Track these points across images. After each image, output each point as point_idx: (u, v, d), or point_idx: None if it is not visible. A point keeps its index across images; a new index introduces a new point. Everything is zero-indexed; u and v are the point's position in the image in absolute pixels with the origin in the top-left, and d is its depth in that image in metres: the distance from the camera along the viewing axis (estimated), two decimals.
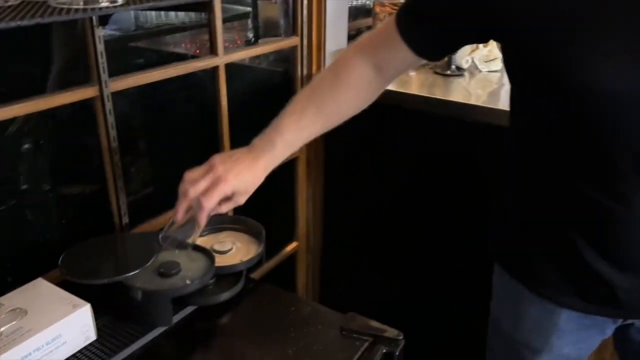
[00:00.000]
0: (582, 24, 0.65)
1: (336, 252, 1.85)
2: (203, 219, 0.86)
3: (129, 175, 1.22)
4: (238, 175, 0.86)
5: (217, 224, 1.18)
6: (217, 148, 1.40)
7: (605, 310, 0.86)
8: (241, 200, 0.88)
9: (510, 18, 0.70)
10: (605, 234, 0.78)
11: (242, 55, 1.42)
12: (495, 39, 0.78)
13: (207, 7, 1.21)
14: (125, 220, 1.17)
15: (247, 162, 0.88)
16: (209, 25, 1.27)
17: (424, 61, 0.89)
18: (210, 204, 0.84)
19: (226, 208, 0.88)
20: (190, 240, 0.96)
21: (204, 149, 1.43)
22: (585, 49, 0.65)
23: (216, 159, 0.88)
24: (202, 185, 0.85)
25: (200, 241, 1.13)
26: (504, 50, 0.80)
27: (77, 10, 0.65)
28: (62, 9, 0.66)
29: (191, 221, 0.90)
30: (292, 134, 0.90)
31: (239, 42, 1.72)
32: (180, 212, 0.88)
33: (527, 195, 0.87)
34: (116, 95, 1.07)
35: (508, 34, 0.73)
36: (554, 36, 0.67)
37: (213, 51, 1.29)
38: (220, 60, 1.31)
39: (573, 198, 0.78)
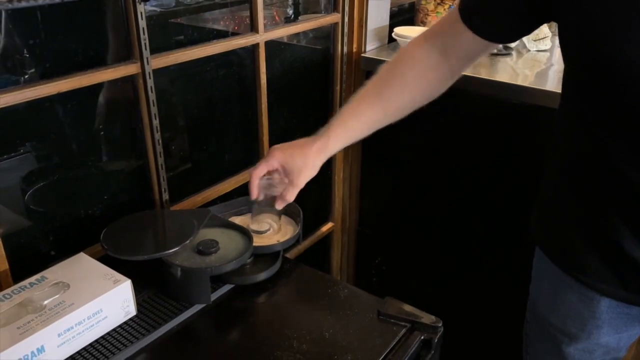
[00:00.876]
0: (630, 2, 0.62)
1: (372, 234, 1.83)
2: (253, 189, 0.94)
3: (169, 152, 1.23)
4: (285, 151, 0.91)
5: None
6: (255, 126, 1.39)
7: None
8: (298, 181, 0.92)
9: None
10: None
11: (282, 32, 1.39)
12: (554, 19, 0.74)
13: None
14: (166, 197, 1.18)
15: (300, 143, 0.93)
16: (250, 2, 1.25)
17: (495, 46, 0.85)
18: (255, 173, 0.93)
19: (288, 192, 0.93)
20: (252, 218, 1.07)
21: (243, 127, 1.43)
22: (633, 29, 0.63)
23: (275, 145, 0.95)
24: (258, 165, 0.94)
25: (238, 220, 1.13)
26: (559, 30, 0.76)
27: None
28: None
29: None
30: (351, 119, 0.90)
31: (277, 19, 1.69)
32: (254, 191, 0.96)
33: (570, 178, 0.84)
34: (157, 72, 1.07)
35: (564, 11, 0.69)
36: (605, 16, 0.64)
37: (253, 28, 1.27)
38: (261, 37, 1.29)
39: (616, 182, 0.76)
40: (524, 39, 1.54)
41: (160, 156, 1.12)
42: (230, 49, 1.23)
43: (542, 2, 0.71)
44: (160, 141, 1.11)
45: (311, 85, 1.62)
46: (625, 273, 0.81)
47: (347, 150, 1.71)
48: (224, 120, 1.39)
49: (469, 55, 0.86)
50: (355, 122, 0.90)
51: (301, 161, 0.91)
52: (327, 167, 1.73)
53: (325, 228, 1.80)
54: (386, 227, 1.78)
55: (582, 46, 0.70)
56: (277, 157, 0.92)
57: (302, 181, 0.92)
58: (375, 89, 0.90)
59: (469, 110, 1.45)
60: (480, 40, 0.81)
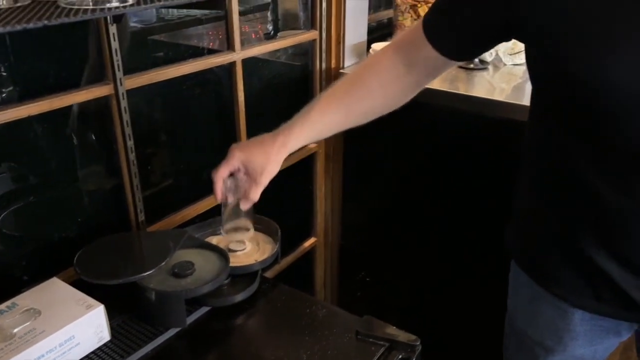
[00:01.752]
0: (598, 23, 0.63)
1: (354, 249, 1.82)
2: (217, 192, 0.92)
3: (147, 171, 1.21)
4: (245, 150, 0.91)
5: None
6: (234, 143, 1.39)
7: (620, 313, 0.84)
8: (261, 179, 0.89)
9: (531, 14, 0.67)
10: (616, 234, 0.76)
11: (259, 50, 1.39)
12: (517, 38, 0.75)
13: (222, 4, 1.19)
14: (142, 217, 1.16)
15: (259, 140, 0.92)
16: (226, 21, 1.25)
17: (455, 63, 0.85)
18: (217, 175, 0.91)
19: (252, 191, 0.90)
20: (223, 224, 1.02)
21: (221, 145, 1.42)
22: (600, 48, 0.63)
23: (233, 145, 0.93)
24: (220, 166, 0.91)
25: (215, 240, 1.12)
26: (525, 48, 0.77)
27: (85, 11, 0.64)
28: (71, 10, 0.64)
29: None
30: (314, 118, 0.90)
31: (258, 34, 1.70)
32: (217, 194, 0.93)
33: (540, 192, 0.85)
34: (132, 90, 1.06)
35: (528, 31, 0.70)
36: (571, 34, 0.65)
37: (229, 47, 1.27)
38: (237, 55, 1.29)
39: (586, 196, 0.76)
40: (500, 53, 1.56)
41: (136, 176, 1.11)
42: (206, 67, 1.23)
43: (506, 21, 0.72)
44: (135, 162, 1.10)
45: (291, 101, 1.62)
46: (598, 285, 0.82)
47: (328, 164, 1.71)
48: (203, 138, 1.38)
49: (432, 68, 0.86)
50: (318, 122, 0.90)
51: (263, 158, 0.89)
52: (309, 182, 1.73)
53: (308, 243, 1.80)
54: (369, 241, 1.77)
55: (551, 67, 0.71)
56: (238, 156, 0.90)
57: (265, 179, 0.90)
58: (340, 92, 0.90)
59: (448, 126, 1.46)
60: (440, 56, 0.81)
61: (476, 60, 1.55)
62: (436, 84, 1.50)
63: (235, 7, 1.23)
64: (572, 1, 0.64)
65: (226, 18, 1.25)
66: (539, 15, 0.67)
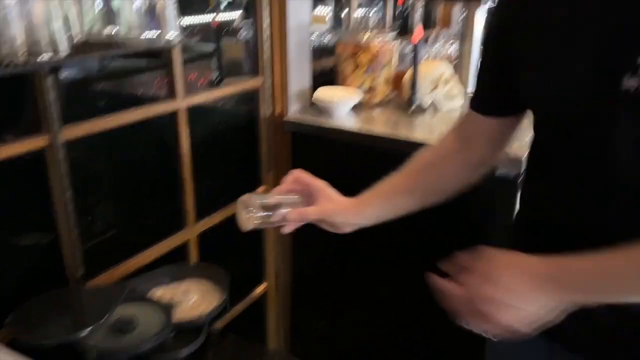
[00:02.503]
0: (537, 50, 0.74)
1: (307, 293, 1.81)
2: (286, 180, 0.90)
3: (85, 223, 1.17)
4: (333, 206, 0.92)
5: (179, 272, 1.14)
6: (179, 192, 1.37)
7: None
8: (323, 217, 0.91)
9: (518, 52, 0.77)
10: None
11: (203, 98, 1.40)
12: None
13: (165, 53, 1.20)
14: (81, 271, 1.12)
15: (346, 204, 0.95)
16: (168, 70, 1.26)
17: (510, 122, 0.88)
18: (296, 174, 0.91)
19: (302, 213, 0.88)
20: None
21: (166, 194, 1.40)
22: (535, 73, 0.74)
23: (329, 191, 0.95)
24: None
25: (160, 292, 1.09)
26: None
27: (17, 65, 0.63)
28: (1, 62, 0.63)
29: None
30: (388, 206, 0.96)
31: (204, 81, 1.71)
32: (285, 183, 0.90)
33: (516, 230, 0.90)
34: (72, 140, 1.04)
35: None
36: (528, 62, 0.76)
37: (172, 95, 1.27)
38: (180, 104, 1.29)
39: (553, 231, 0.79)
40: (438, 97, 1.63)
41: (74, 229, 1.08)
42: (149, 116, 1.22)
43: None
44: (73, 214, 1.07)
45: (237, 147, 1.62)
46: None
47: None
48: (146, 187, 1.36)
49: (489, 137, 0.89)
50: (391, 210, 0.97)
51: (341, 220, 0.92)
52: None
53: (259, 290, 1.77)
54: (322, 284, 1.76)
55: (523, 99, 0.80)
56: (324, 207, 0.90)
57: (326, 219, 0.92)
58: (409, 179, 0.96)
59: (392, 168, 1.49)
60: (488, 119, 0.86)
61: (415, 104, 1.61)
62: (379, 127, 1.55)
63: (177, 56, 1.24)
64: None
65: (169, 67, 1.25)
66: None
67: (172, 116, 1.29)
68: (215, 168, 1.54)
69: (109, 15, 0.89)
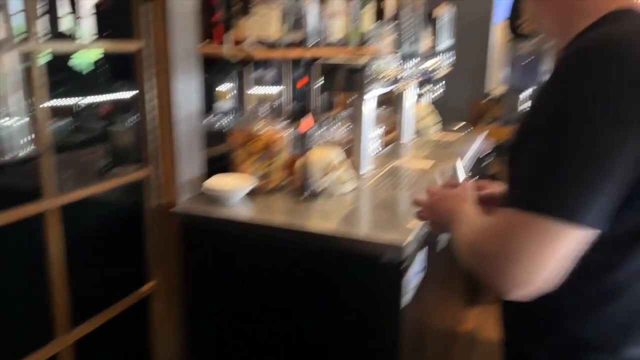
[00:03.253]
0: None
1: None
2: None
3: None
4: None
5: None
6: (46, 301, 1.23)
7: None
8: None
9: None
10: None
11: (79, 195, 1.30)
12: None
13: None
14: None
15: None
16: (36, 164, 1.16)
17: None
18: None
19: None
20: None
21: (31, 305, 1.26)
22: None
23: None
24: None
25: None
26: None
27: None
28: None
29: None
30: None
31: (88, 171, 1.62)
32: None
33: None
34: None
35: None
36: None
37: (40, 194, 1.17)
38: (51, 203, 1.19)
39: None
40: (330, 182, 1.64)
41: None
42: (11, 220, 1.11)
43: None
44: None
45: (122, 243, 1.53)
46: None
47: (168, 305, 1.59)
48: (8, 302, 1.21)
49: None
50: None
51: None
52: (143, 329, 1.58)
53: None
54: None
55: None
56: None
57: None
58: None
59: (288, 258, 1.46)
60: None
61: (308, 190, 1.61)
62: (273, 216, 1.52)
63: (48, 148, 1.16)
64: None
65: (38, 160, 1.16)
66: None
67: (38, 218, 1.18)
68: (95, 268, 1.42)
69: None
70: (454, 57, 2.73)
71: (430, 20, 2.64)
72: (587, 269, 0.75)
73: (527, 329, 0.88)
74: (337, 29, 2.01)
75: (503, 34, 3.57)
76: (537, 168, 0.73)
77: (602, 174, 0.69)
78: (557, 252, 0.71)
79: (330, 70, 1.80)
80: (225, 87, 2.08)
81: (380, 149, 2.29)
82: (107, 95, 1.93)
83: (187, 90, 1.53)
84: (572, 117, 0.70)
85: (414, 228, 1.39)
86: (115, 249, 1.51)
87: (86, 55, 1.86)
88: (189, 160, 1.59)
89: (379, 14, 2.68)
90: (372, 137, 1.98)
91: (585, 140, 0.69)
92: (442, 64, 2.58)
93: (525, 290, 0.72)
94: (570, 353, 0.82)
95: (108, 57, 1.84)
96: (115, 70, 1.88)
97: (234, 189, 1.58)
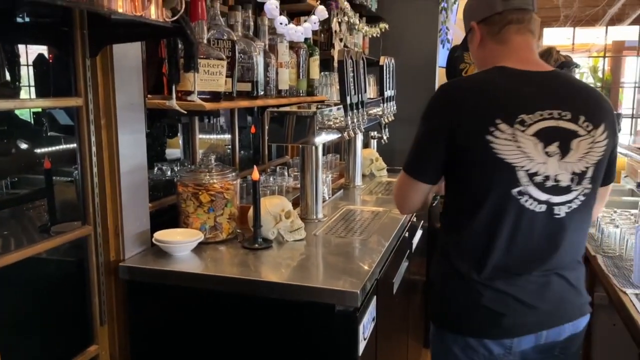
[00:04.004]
0: None
1: None
2: None
3: None
4: None
5: None
6: None
7: None
8: None
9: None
10: None
11: (18, 256, 1.23)
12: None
13: None
14: None
15: None
16: None
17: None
18: None
19: None
20: None
21: None
22: None
23: None
24: None
25: None
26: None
27: None
28: None
29: None
30: None
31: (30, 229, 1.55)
32: None
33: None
34: None
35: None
36: None
37: None
38: None
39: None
40: (281, 230, 1.63)
41: None
42: None
43: None
44: None
45: (64, 303, 1.45)
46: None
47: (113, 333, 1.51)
48: None
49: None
50: None
51: None
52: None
53: None
54: None
55: None
56: None
57: None
58: None
59: (240, 308, 1.42)
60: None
61: (260, 239, 1.59)
62: (224, 268, 1.49)
63: None
64: None
65: None
66: None
67: None
68: (33, 331, 1.34)
69: None
70: (396, 104, 2.82)
71: (377, 67, 2.73)
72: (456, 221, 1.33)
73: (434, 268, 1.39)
74: (285, 79, 2.04)
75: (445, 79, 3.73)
76: (409, 150, 1.32)
77: (426, 153, 1.30)
78: (413, 193, 1.34)
79: (279, 119, 1.82)
80: (174, 138, 2.05)
81: (331, 194, 2.30)
82: (49, 148, 1.87)
83: (132, 143, 1.50)
84: (420, 124, 1.30)
85: (368, 274, 1.39)
86: (56, 311, 1.43)
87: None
88: (135, 215, 1.54)
89: (326, 64, 2.76)
90: (322, 183, 1.99)
91: (420, 136, 1.29)
92: (387, 110, 2.66)
93: (402, 212, 1.46)
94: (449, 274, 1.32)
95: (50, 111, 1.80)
96: (57, 123, 1.83)
97: (183, 242, 1.54)
